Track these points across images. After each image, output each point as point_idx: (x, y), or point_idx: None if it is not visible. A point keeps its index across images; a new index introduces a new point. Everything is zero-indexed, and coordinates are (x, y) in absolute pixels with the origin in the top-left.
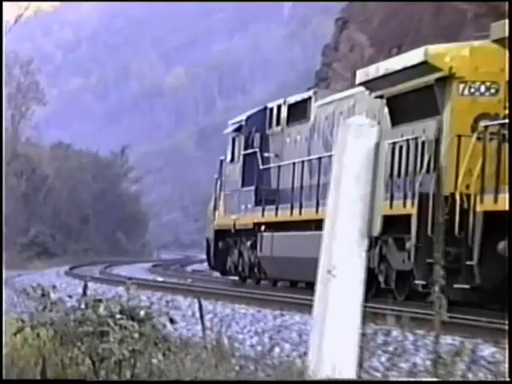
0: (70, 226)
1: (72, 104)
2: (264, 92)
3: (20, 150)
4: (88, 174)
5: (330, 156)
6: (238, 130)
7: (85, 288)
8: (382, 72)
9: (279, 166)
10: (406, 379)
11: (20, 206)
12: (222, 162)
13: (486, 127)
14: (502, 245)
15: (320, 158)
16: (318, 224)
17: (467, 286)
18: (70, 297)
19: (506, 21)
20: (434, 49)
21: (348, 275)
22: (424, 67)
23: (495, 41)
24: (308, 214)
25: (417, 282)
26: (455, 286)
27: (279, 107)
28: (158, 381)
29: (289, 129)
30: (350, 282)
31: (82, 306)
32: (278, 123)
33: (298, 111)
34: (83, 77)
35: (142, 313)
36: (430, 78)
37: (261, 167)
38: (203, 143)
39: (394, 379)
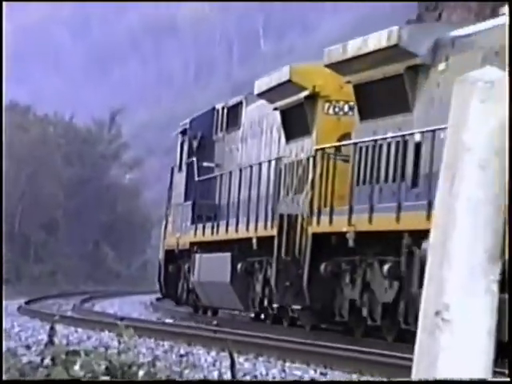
0: (28, 236)
1: (34, 44)
2: (335, 29)
3: None
4: (57, 152)
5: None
6: (184, 133)
7: (51, 333)
8: (269, 86)
9: (214, 178)
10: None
11: None
12: (172, 169)
13: (320, 149)
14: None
15: (241, 170)
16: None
17: (299, 307)
18: (27, 347)
19: (348, 43)
20: (299, 67)
21: (468, 320)
22: (291, 86)
23: (327, 66)
24: (244, 231)
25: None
26: (293, 306)
27: (223, 109)
28: (159, 381)
29: (228, 135)
30: (471, 331)
31: (47, 361)
32: (221, 128)
33: (233, 117)
34: (52, 3)
35: (142, 373)
36: (300, 96)
37: (196, 179)
38: None
39: None
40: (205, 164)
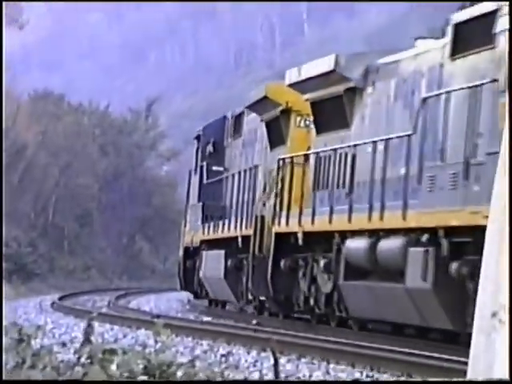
0: (62, 228)
1: (66, 28)
2: (385, 13)
3: None
4: (92, 143)
5: (250, 170)
6: (198, 139)
7: (88, 331)
8: (252, 101)
9: (219, 181)
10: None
11: None
12: (190, 172)
13: (281, 159)
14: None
15: (239, 173)
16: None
17: (264, 298)
18: (63, 345)
19: (302, 67)
20: (274, 86)
21: None
22: (268, 102)
23: (288, 85)
24: (233, 231)
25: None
26: (260, 297)
27: (231, 118)
28: (159, 381)
29: (234, 142)
30: None
31: (84, 359)
32: (229, 135)
33: (237, 125)
34: None
35: (180, 373)
36: (277, 110)
37: (204, 182)
38: None
39: None
40: (214, 168)
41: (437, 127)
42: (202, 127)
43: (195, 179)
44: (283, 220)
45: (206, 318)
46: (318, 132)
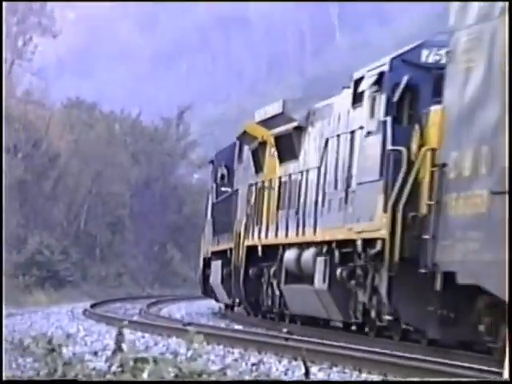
0: (94, 236)
1: (98, 37)
2: (416, 20)
3: (14, 109)
4: (123, 151)
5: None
6: (212, 163)
7: (119, 339)
8: (239, 134)
9: (223, 200)
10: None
11: (13, 202)
12: (208, 191)
13: (252, 184)
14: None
15: (231, 195)
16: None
17: (238, 300)
18: (95, 353)
19: (265, 108)
20: (251, 123)
21: None
22: (249, 135)
23: (257, 123)
24: (227, 244)
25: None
26: (236, 300)
27: (238, 145)
28: (159, 381)
29: (239, 166)
30: None
31: (116, 367)
32: (236, 160)
33: (240, 152)
34: None
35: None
36: (256, 142)
37: (214, 201)
38: None
39: None
40: (223, 189)
41: (332, 162)
42: (215, 152)
43: (209, 198)
44: (251, 235)
45: (237, 326)
46: (280, 162)
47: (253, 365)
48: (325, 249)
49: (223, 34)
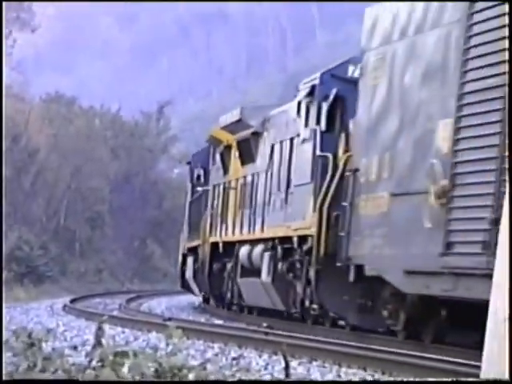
0: (73, 231)
1: (78, 32)
2: None
3: None
4: (103, 146)
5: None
6: (189, 163)
7: (99, 334)
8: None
9: (198, 199)
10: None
11: None
12: (186, 191)
13: (216, 185)
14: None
15: (201, 194)
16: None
17: (204, 293)
18: (74, 348)
19: (228, 114)
20: (216, 128)
21: None
22: (216, 140)
23: (221, 128)
24: (196, 241)
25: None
26: (202, 293)
27: (212, 148)
28: (159, 381)
29: (213, 167)
30: None
31: (95, 362)
32: (210, 162)
33: (214, 153)
34: None
35: (192, 376)
36: (222, 146)
37: (189, 200)
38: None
39: None
40: (198, 188)
41: (277, 166)
42: (192, 155)
43: (187, 197)
44: (214, 232)
45: (217, 321)
46: (242, 164)
47: (233, 359)
48: (270, 245)
49: (203, 30)
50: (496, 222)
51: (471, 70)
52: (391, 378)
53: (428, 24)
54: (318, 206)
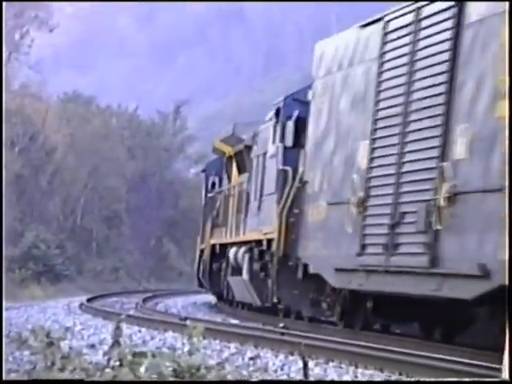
0: (90, 230)
1: (95, 31)
2: None
3: (10, 103)
4: (120, 145)
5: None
6: (204, 171)
7: (117, 333)
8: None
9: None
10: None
11: (10, 196)
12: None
13: (218, 192)
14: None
15: (210, 200)
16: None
17: (205, 289)
18: (92, 347)
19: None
20: (217, 141)
21: None
22: (217, 151)
23: (220, 141)
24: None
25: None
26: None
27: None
28: (159, 381)
29: (224, 175)
30: None
31: (113, 362)
32: (223, 170)
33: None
34: None
35: (210, 376)
36: (224, 158)
37: (203, 206)
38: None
39: None
40: (209, 195)
41: (255, 177)
42: (207, 163)
43: (202, 204)
44: (214, 235)
45: (233, 321)
46: (238, 173)
47: (250, 359)
48: (248, 247)
49: (221, 29)
50: (392, 227)
51: (382, 99)
52: (407, 379)
53: (357, 59)
54: (278, 213)
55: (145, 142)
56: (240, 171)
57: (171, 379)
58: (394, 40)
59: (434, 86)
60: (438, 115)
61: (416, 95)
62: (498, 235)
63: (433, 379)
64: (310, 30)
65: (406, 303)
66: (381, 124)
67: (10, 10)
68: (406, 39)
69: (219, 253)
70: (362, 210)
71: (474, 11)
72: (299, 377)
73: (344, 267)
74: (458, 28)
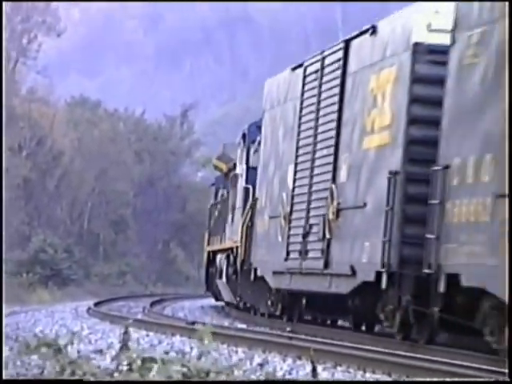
0: (97, 234)
1: (103, 35)
2: None
3: (18, 107)
4: (127, 149)
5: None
6: (213, 185)
7: (125, 337)
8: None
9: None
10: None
11: (17, 200)
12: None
13: (215, 203)
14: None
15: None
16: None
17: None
18: (100, 352)
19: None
20: (215, 159)
21: None
22: (217, 167)
23: (216, 159)
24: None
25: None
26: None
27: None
28: (159, 381)
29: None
30: None
31: (122, 367)
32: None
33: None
34: None
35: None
36: (223, 174)
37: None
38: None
39: None
40: (209, 205)
41: (232, 193)
42: (216, 177)
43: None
44: (211, 243)
45: (240, 325)
46: (232, 188)
47: (259, 365)
48: (226, 254)
49: (227, 33)
50: (304, 236)
51: (301, 130)
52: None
53: (289, 96)
54: (241, 224)
55: (152, 145)
56: (232, 186)
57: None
58: (309, 82)
59: (329, 122)
60: (331, 146)
61: (320, 129)
62: (362, 242)
63: (433, 379)
64: (316, 33)
65: (335, 299)
66: (300, 151)
67: (17, 15)
68: (315, 83)
69: (212, 259)
70: (288, 223)
71: (352, 62)
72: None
73: (278, 270)
74: (344, 76)
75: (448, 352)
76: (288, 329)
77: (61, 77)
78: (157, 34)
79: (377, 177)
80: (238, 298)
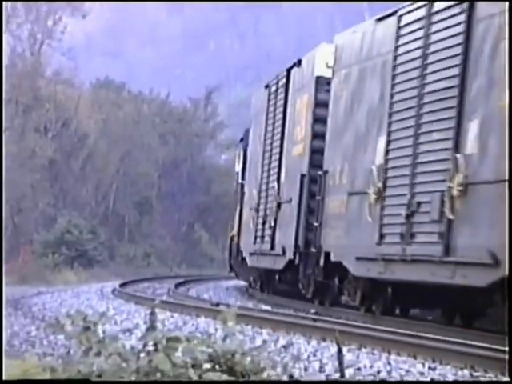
0: (122, 216)
1: (128, 17)
2: None
3: (43, 89)
4: (152, 131)
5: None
6: (241, 141)
7: (152, 318)
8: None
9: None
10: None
11: (42, 181)
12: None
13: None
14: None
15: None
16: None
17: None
18: (128, 331)
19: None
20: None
21: None
22: None
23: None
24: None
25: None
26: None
27: None
28: (159, 381)
29: None
30: None
31: (149, 347)
32: None
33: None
34: None
35: (246, 361)
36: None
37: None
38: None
39: None
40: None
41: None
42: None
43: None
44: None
45: (264, 307)
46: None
47: (283, 346)
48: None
49: (252, 15)
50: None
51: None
52: (442, 366)
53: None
54: (237, 215)
55: (176, 128)
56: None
57: (207, 365)
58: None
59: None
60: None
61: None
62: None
63: (434, 380)
64: (340, 14)
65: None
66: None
67: None
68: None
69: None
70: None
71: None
72: (331, 363)
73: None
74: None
75: (475, 335)
76: (312, 311)
77: (86, 59)
78: (181, 15)
79: None
80: (231, 270)
